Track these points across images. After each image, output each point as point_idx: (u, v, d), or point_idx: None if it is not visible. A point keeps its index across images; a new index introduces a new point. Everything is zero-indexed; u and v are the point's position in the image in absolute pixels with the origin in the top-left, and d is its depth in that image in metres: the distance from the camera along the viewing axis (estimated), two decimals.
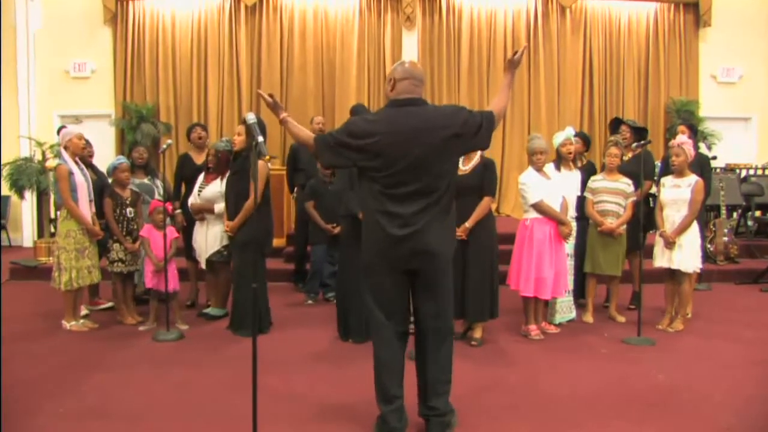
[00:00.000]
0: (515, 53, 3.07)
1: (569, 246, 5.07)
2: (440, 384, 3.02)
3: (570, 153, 5.15)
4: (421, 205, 2.85)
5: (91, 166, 5.62)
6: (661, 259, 5.01)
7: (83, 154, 5.36)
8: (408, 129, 2.83)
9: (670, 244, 4.90)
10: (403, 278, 2.97)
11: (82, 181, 4.92)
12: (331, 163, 3.19)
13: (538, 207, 4.73)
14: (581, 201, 5.29)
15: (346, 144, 2.90)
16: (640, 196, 5.26)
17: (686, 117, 9.45)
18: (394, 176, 2.84)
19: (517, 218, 5.12)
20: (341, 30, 9.83)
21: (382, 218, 2.88)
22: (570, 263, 5.11)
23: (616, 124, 5.99)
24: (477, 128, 2.91)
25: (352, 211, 4.61)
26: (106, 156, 7.73)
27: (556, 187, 4.83)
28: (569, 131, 5.20)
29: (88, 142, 5.72)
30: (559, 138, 5.17)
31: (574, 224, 5.09)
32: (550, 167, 4.98)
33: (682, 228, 4.88)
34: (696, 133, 6.68)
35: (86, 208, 4.94)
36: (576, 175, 5.23)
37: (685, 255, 4.89)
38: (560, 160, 5.16)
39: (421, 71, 3.00)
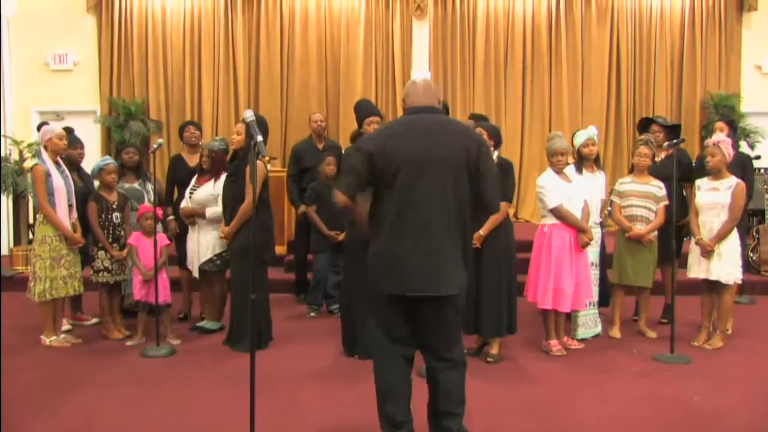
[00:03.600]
0: None
1: (593, 254, 5.08)
2: (453, 405, 3.04)
3: (592, 153, 5.16)
4: (434, 226, 2.88)
5: (78, 170, 5.67)
6: (698, 269, 4.98)
7: (72, 156, 5.44)
8: (419, 130, 2.90)
9: (707, 253, 4.88)
10: (410, 304, 2.98)
11: (61, 185, 4.95)
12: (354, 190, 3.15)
13: (556, 212, 4.75)
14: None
15: (360, 166, 2.94)
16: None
17: (726, 113, 9.40)
18: (405, 187, 2.87)
19: (537, 224, 5.13)
20: (346, 20, 9.89)
21: (390, 238, 2.92)
22: (594, 272, 5.12)
23: (645, 125, 5.98)
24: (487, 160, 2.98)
25: None
26: (90, 156, 7.79)
27: (576, 191, 4.85)
28: (591, 130, 5.22)
29: (79, 142, 5.76)
30: (580, 137, 5.19)
31: (597, 231, 5.11)
32: (570, 169, 5.01)
33: (722, 235, 4.85)
34: (736, 130, 6.68)
35: (64, 214, 4.97)
36: (600, 178, 5.24)
37: (725, 265, 4.87)
38: (582, 162, 5.18)
39: (430, 86, 3.06)
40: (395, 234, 2.90)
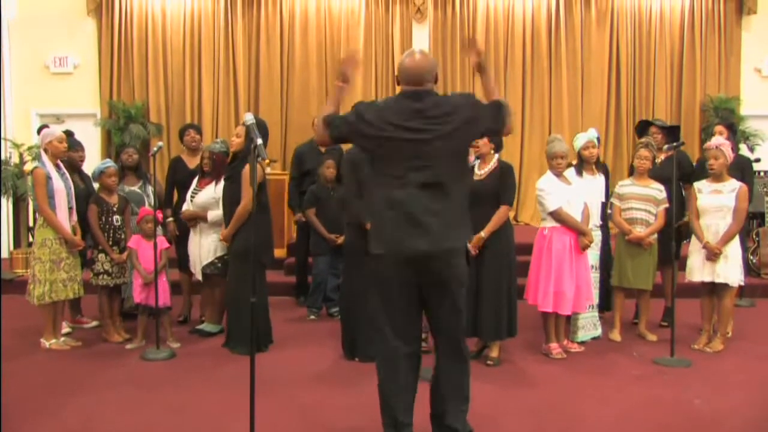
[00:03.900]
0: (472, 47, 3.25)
1: (593, 257, 5.09)
2: (457, 401, 3.04)
3: (593, 156, 5.17)
4: (433, 203, 2.90)
5: (78, 172, 5.68)
6: (702, 273, 4.96)
7: (72, 158, 5.44)
8: (413, 115, 2.94)
9: (715, 256, 4.87)
10: (413, 288, 2.99)
11: (61, 187, 4.95)
12: (339, 132, 3.14)
13: (556, 215, 4.76)
14: (606, 208, 5.32)
15: (356, 122, 3.01)
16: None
17: (725, 115, 9.40)
18: (401, 166, 2.92)
19: (537, 227, 5.14)
20: (346, 23, 9.91)
21: (389, 218, 2.94)
22: (594, 275, 5.13)
23: (643, 127, 5.98)
24: (489, 109, 3.08)
25: (358, 219, 4.64)
26: (90, 159, 7.77)
27: (576, 194, 4.86)
28: (591, 133, 5.23)
29: (80, 145, 5.78)
30: (580, 140, 5.20)
31: (597, 234, 5.11)
32: (571, 172, 5.02)
33: (728, 238, 4.84)
34: (736, 133, 6.67)
35: (65, 216, 4.97)
36: (600, 181, 5.25)
37: (731, 267, 4.87)
38: (582, 164, 5.18)
39: (422, 64, 3.04)
40: (392, 208, 2.93)
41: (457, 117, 2.96)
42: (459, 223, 3.00)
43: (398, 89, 3.09)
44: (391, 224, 2.94)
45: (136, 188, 5.79)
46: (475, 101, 3.08)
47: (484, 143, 4.56)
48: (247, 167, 4.76)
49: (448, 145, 2.94)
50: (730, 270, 4.87)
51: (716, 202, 4.91)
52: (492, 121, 3.07)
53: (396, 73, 3.13)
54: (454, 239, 2.96)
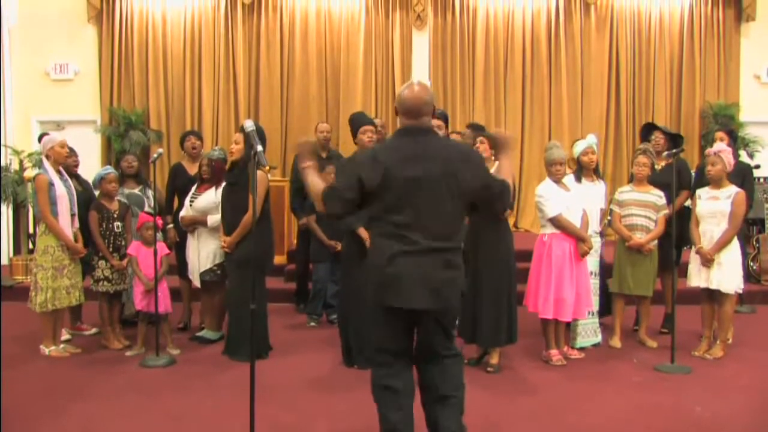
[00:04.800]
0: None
1: (593, 263, 5.10)
2: (452, 388, 3.03)
3: (592, 162, 5.18)
4: (440, 256, 2.88)
5: (76, 177, 5.70)
6: (698, 279, 4.99)
7: (67, 164, 5.46)
8: (409, 155, 2.88)
9: (708, 262, 4.89)
10: (408, 318, 2.97)
11: (64, 194, 4.97)
12: (341, 211, 3.03)
13: (556, 221, 4.77)
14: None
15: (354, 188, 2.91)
16: (677, 206, 5.26)
17: (725, 122, 9.43)
18: (404, 213, 2.87)
19: (537, 234, 5.15)
20: (346, 30, 9.94)
21: (393, 272, 2.89)
22: (594, 282, 5.13)
23: (647, 131, 6.01)
24: (494, 181, 3.02)
25: (350, 226, 4.64)
26: (90, 166, 7.81)
27: (576, 200, 4.88)
28: (591, 139, 5.25)
29: (73, 151, 5.80)
30: (579, 146, 5.22)
31: (597, 240, 5.13)
32: (570, 178, 5.03)
33: (722, 244, 4.86)
34: (736, 140, 6.70)
35: (67, 223, 4.99)
36: (599, 187, 5.26)
37: (725, 274, 4.87)
38: (581, 171, 5.20)
39: (421, 96, 2.98)
40: (394, 252, 2.88)
41: (463, 166, 2.91)
42: (460, 268, 2.99)
43: (397, 118, 3.08)
44: (395, 279, 2.88)
45: (136, 191, 5.82)
46: (483, 165, 3.07)
47: (485, 148, 4.57)
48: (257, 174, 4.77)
49: (451, 190, 2.89)
50: (725, 277, 4.87)
51: (712, 208, 4.94)
52: (494, 197, 3.00)
53: (395, 104, 3.11)
54: (456, 291, 2.95)
